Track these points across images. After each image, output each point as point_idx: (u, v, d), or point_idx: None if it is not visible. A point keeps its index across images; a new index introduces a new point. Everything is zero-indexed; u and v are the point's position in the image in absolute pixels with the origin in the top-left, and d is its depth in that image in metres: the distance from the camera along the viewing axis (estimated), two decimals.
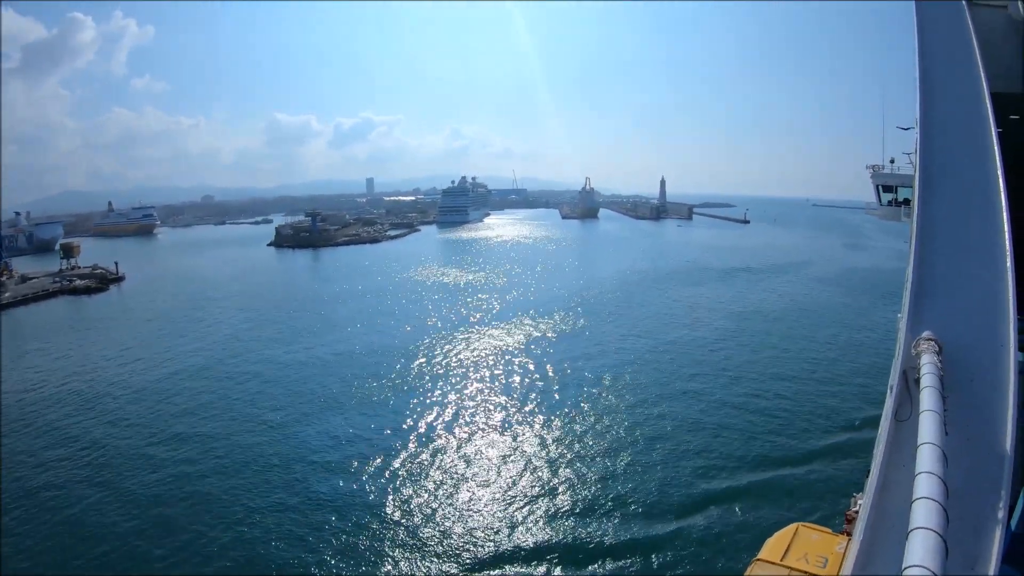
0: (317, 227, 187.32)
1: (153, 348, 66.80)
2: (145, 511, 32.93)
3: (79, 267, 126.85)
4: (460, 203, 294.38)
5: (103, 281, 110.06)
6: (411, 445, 40.30)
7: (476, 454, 38.81)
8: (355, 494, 34.17)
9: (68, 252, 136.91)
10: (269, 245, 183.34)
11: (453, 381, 52.84)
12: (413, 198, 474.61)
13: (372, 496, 34.09)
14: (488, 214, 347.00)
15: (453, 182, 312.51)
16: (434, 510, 32.38)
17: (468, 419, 44.58)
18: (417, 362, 58.21)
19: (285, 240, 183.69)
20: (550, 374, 51.44)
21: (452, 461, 37.93)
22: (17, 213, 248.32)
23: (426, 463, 37.79)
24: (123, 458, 39.54)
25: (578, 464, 36.32)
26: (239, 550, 28.93)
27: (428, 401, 48.34)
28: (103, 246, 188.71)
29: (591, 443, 38.65)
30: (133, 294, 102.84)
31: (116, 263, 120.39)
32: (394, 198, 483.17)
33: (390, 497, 33.65)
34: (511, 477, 35.73)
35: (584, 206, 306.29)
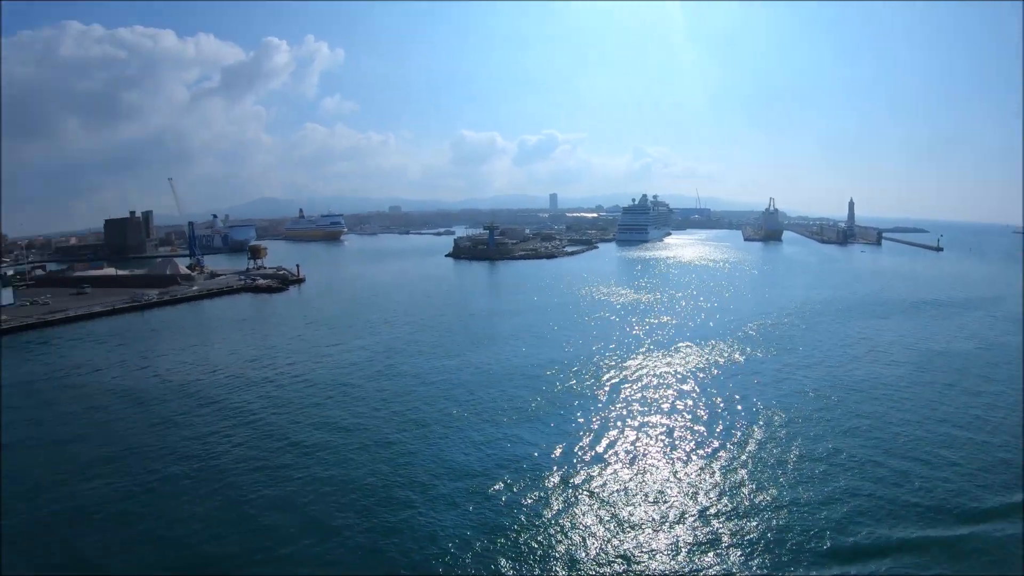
0: (494, 240, 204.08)
1: (317, 347, 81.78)
2: (287, 490, 41.40)
3: (264, 268, 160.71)
4: (640, 221, 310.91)
5: (284, 282, 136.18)
6: (556, 462, 44.60)
7: (631, 477, 42.53)
8: (482, 504, 38.65)
9: (255, 253, 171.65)
10: (447, 256, 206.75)
11: (613, 402, 58.33)
12: (595, 215, 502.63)
13: (494, 508, 38.23)
14: (669, 233, 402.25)
15: (634, 200, 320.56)
16: (577, 529, 35.91)
17: (624, 441, 48.88)
18: (578, 381, 64.95)
19: (463, 252, 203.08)
20: (717, 402, 57.39)
21: (604, 482, 41.79)
22: (214, 216, 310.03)
23: (571, 482, 41.76)
24: (274, 440, 50.00)
25: (737, 495, 39.52)
26: (362, 538, 35.12)
27: (584, 421, 53.30)
28: (292, 249, 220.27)
29: (752, 474, 42.52)
30: (310, 296, 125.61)
31: (298, 266, 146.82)
32: (576, 214, 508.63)
33: (519, 510, 37.76)
34: (666, 503, 38.86)
35: (767, 228, 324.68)
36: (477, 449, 46.90)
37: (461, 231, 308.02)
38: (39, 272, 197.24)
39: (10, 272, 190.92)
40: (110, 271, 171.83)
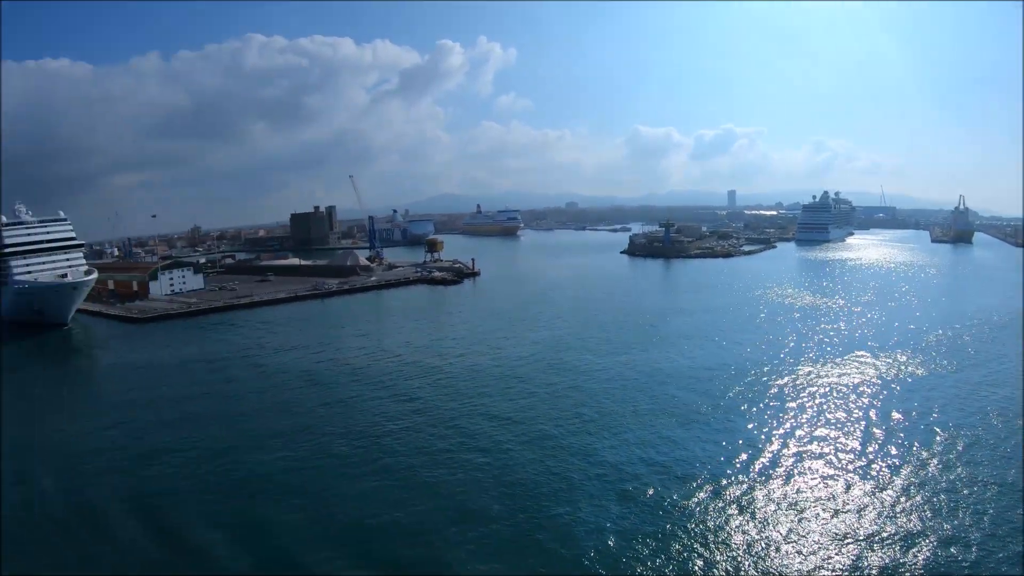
0: (670, 238, 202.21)
1: (488, 338, 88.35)
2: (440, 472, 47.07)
3: (441, 261, 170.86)
4: (821, 220, 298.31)
5: (459, 275, 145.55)
6: (711, 471, 44.87)
7: (789, 494, 42.17)
8: (629, 508, 39.79)
9: (432, 247, 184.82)
10: (622, 253, 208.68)
11: (780, 412, 58.06)
12: (774, 212, 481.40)
13: (640, 512, 39.14)
14: (851, 233, 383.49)
15: (814, 197, 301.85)
16: (723, 546, 36.32)
17: (786, 454, 48.62)
18: (744, 386, 65.15)
19: (638, 249, 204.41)
20: (893, 419, 53.99)
21: (759, 496, 41.70)
22: (395, 211, 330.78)
23: (725, 494, 41.87)
24: (439, 426, 54.80)
25: (902, 524, 38.02)
26: (508, 530, 37.84)
27: (747, 429, 53.56)
28: (469, 244, 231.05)
29: (923, 503, 40.35)
30: (483, 289, 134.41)
31: (473, 259, 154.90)
32: (754, 212, 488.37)
33: (665, 517, 38.60)
34: (823, 525, 38.20)
35: (956, 229, 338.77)
36: (632, 450, 48.87)
37: (637, 228, 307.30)
38: (229, 261, 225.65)
39: (202, 260, 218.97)
40: (294, 261, 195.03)
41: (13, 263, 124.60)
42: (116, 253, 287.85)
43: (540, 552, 35.38)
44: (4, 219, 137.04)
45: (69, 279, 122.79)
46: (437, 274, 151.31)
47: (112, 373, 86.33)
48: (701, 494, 41.01)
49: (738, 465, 45.54)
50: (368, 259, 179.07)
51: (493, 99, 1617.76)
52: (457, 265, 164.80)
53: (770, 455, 47.34)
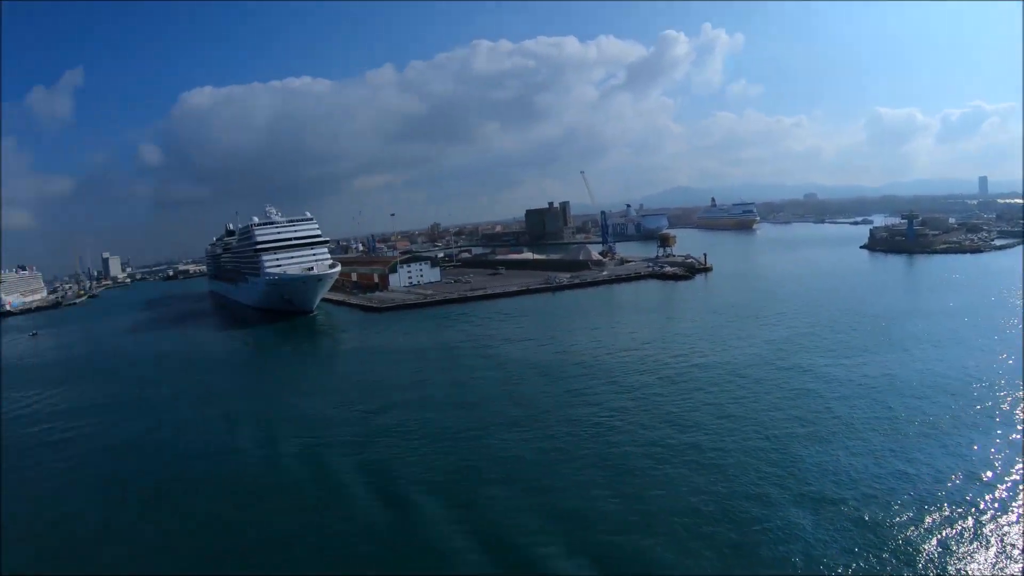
0: (913, 231, 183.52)
1: (717, 335, 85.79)
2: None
3: (673, 256, 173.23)
4: None
5: (690, 270, 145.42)
6: (944, 499, 39.23)
7: None
8: (839, 534, 36.06)
9: (664, 241, 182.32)
10: (862, 248, 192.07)
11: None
12: None
13: (855, 543, 35.21)
14: None
15: None
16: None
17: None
18: (995, 400, 55.82)
19: (878, 243, 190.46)
20: None
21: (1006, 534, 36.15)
22: (628, 205, 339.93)
23: (959, 526, 36.58)
24: (666, 426, 53.62)
25: None
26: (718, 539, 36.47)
27: (995, 451, 45.90)
28: (702, 238, 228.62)
29: None
30: (714, 285, 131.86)
31: (704, 254, 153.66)
32: (1008, 200, 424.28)
33: (880, 552, 34.48)
34: None
35: None
36: (866, 462, 44.24)
37: (879, 220, 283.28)
38: (465, 255, 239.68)
39: (441, 255, 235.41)
40: (528, 255, 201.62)
41: (265, 258, 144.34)
42: (360, 248, 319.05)
43: (749, 556, 34.03)
44: (256, 219, 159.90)
45: (314, 272, 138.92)
46: (668, 269, 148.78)
47: (351, 356, 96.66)
48: (926, 529, 35.80)
49: (980, 494, 38.93)
50: (601, 254, 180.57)
51: (724, 87, 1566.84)
52: (689, 260, 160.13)
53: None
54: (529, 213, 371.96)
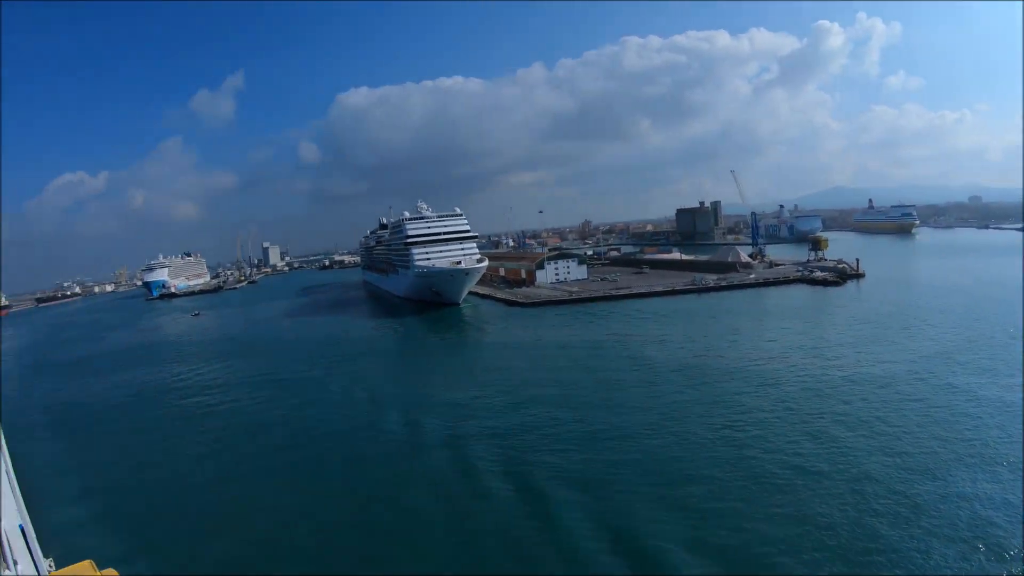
0: None
1: (863, 345, 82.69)
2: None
3: (824, 260, 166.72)
4: None
5: (841, 276, 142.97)
6: None
7: None
8: None
9: (816, 245, 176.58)
10: None
11: None
12: None
13: None
14: None
15: None
16: None
17: None
18: None
19: None
20: None
21: None
22: (781, 206, 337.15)
23: None
24: (809, 440, 52.85)
25: None
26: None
27: None
28: (857, 242, 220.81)
29: None
30: (865, 292, 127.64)
31: (857, 260, 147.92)
32: None
33: None
34: None
35: None
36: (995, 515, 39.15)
37: None
38: (614, 253, 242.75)
39: (590, 252, 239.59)
40: (675, 255, 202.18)
41: (415, 251, 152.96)
42: (511, 244, 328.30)
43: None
44: (407, 214, 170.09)
45: (462, 266, 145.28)
46: (818, 274, 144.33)
47: (494, 348, 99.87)
48: None
49: None
50: (750, 256, 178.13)
51: (882, 80, 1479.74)
52: (841, 265, 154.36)
53: None
54: (680, 212, 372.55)
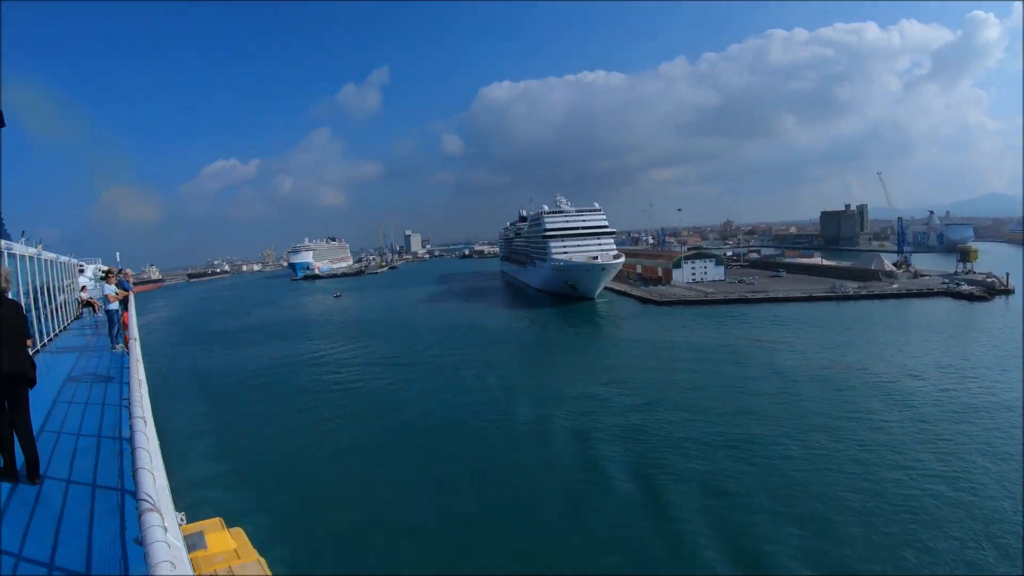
0: None
1: (999, 365, 79.82)
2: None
3: (973, 272, 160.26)
4: None
5: (990, 291, 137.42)
6: None
7: None
8: None
9: (965, 256, 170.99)
10: None
11: None
12: None
13: None
14: None
15: None
16: None
17: None
18: None
19: None
20: None
21: None
22: (931, 212, 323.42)
23: None
24: (918, 446, 57.30)
25: None
26: None
27: None
28: (1012, 254, 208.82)
29: None
30: (1013, 310, 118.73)
31: (1007, 274, 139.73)
32: None
33: None
34: None
35: None
36: None
37: None
38: (753, 255, 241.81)
39: (729, 253, 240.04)
40: (816, 260, 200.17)
41: (552, 244, 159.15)
42: (650, 241, 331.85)
43: None
44: (546, 208, 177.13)
45: (598, 261, 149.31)
46: (965, 288, 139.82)
47: (626, 344, 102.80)
48: None
49: None
50: (895, 264, 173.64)
51: None
52: (990, 279, 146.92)
53: None
54: (824, 215, 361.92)
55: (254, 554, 14.44)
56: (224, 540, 15.08)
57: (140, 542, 5.48)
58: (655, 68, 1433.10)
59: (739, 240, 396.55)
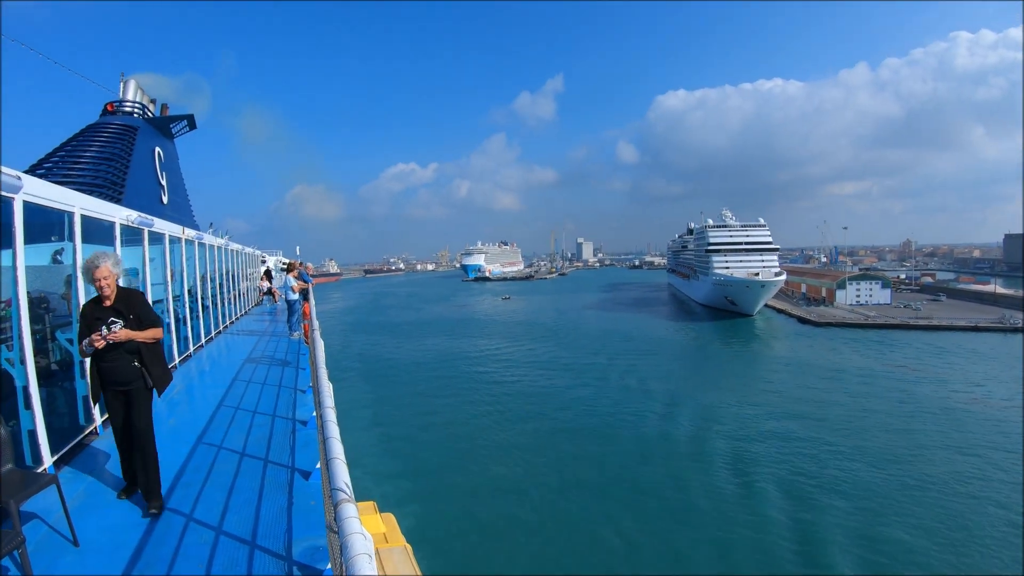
0: None
1: None
2: None
3: None
4: None
5: None
6: None
7: None
8: None
9: None
10: None
11: None
12: None
13: None
14: None
15: None
16: None
17: None
18: None
19: None
20: None
21: None
22: None
23: None
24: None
25: None
26: None
27: None
28: None
29: None
30: None
31: None
32: None
33: None
34: None
35: None
36: None
37: None
38: (927, 280, 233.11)
39: (902, 276, 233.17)
40: (992, 287, 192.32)
41: (715, 258, 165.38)
42: (824, 259, 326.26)
43: None
44: (711, 222, 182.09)
45: (759, 278, 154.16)
46: None
47: (774, 362, 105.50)
48: None
49: None
50: None
51: None
52: None
53: None
54: (1008, 238, 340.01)
55: (402, 539, 15.36)
56: (375, 523, 15.99)
57: (334, 530, 5.61)
58: (835, 75, 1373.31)
59: (917, 262, 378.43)
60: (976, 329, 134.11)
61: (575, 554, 37.66)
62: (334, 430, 7.90)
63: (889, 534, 44.01)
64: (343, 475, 6.49)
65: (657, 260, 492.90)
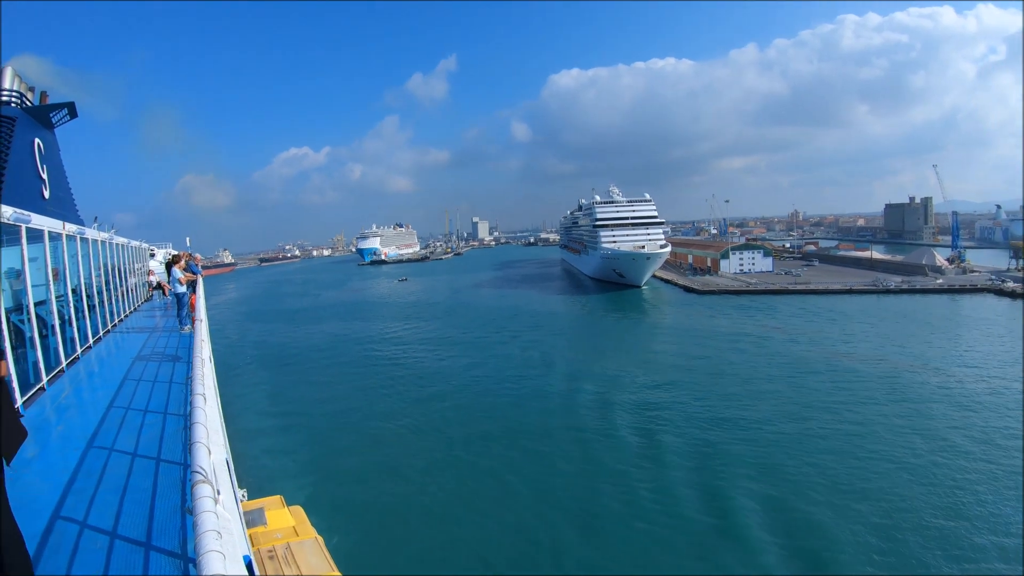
0: None
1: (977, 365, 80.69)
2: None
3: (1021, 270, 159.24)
4: None
5: None
6: None
7: None
8: None
9: (1017, 252, 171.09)
10: None
11: None
12: None
13: None
14: None
15: None
16: None
17: None
18: None
19: None
20: None
21: None
22: (998, 206, 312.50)
23: None
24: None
25: None
26: None
27: None
28: None
29: None
30: None
31: None
32: None
33: None
34: None
35: None
36: None
37: None
38: (810, 248, 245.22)
39: (786, 245, 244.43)
40: (868, 253, 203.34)
41: (602, 233, 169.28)
42: (713, 232, 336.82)
43: None
44: (598, 198, 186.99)
45: (645, 250, 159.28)
46: (1009, 284, 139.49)
47: (660, 330, 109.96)
48: None
49: None
50: (948, 259, 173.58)
51: None
52: None
53: None
54: (888, 208, 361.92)
55: (312, 531, 15.30)
56: (284, 517, 16.07)
57: (191, 511, 5.53)
58: (725, 55, 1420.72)
59: (804, 231, 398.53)
60: (850, 292, 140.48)
61: (481, 529, 37.93)
62: (200, 416, 8.21)
63: (776, 461, 46.72)
64: (200, 458, 6.72)
65: (552, 236, 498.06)
